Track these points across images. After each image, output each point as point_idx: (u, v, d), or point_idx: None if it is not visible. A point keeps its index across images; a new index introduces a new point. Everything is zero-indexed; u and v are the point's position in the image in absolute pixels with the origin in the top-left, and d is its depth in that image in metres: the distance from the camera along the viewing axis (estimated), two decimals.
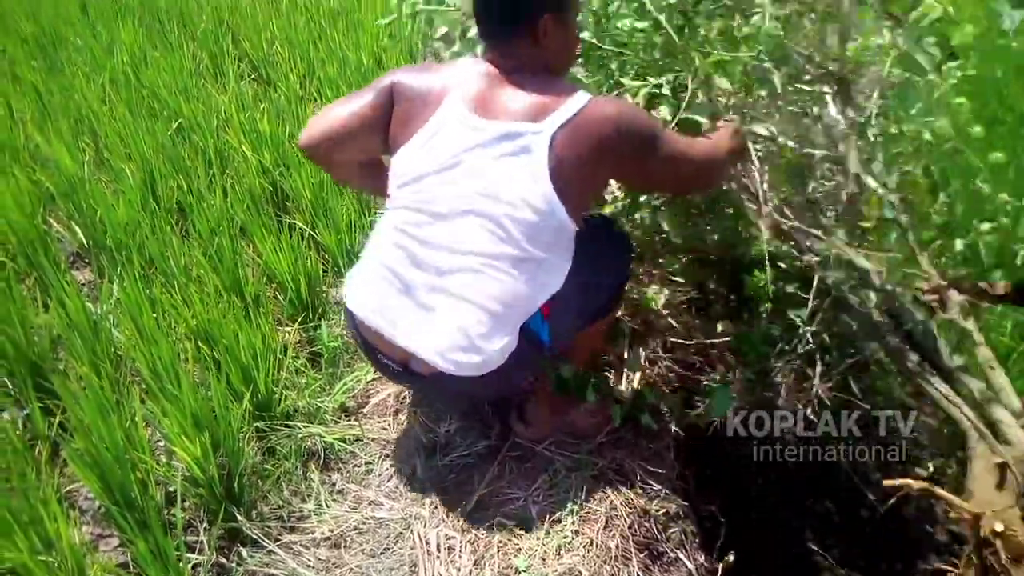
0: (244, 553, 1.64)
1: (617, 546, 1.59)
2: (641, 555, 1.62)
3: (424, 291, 1.51)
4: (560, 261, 1.52)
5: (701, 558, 1.74)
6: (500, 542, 1.59)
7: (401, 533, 1.66)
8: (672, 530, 1.72)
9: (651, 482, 1.75)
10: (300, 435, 1.87)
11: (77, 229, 2.71)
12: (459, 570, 1.55)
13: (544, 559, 1.55)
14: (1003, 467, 1.46)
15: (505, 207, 1.44)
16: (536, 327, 1.53)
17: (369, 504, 1.74)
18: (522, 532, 1.61)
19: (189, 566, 1.57)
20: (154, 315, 2.04)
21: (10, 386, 2.07)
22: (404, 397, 2.00)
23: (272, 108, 3.31)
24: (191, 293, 2.10)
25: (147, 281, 2.25)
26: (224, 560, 1.63)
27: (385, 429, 1.93)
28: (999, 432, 1.52)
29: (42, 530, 1.52)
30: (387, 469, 1.82)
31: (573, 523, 1.61)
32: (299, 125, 3.05)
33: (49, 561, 1.49)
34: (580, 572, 1.51)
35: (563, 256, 1.52)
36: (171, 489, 1.74)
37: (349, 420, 1.97)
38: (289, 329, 2.21)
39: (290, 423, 1.90)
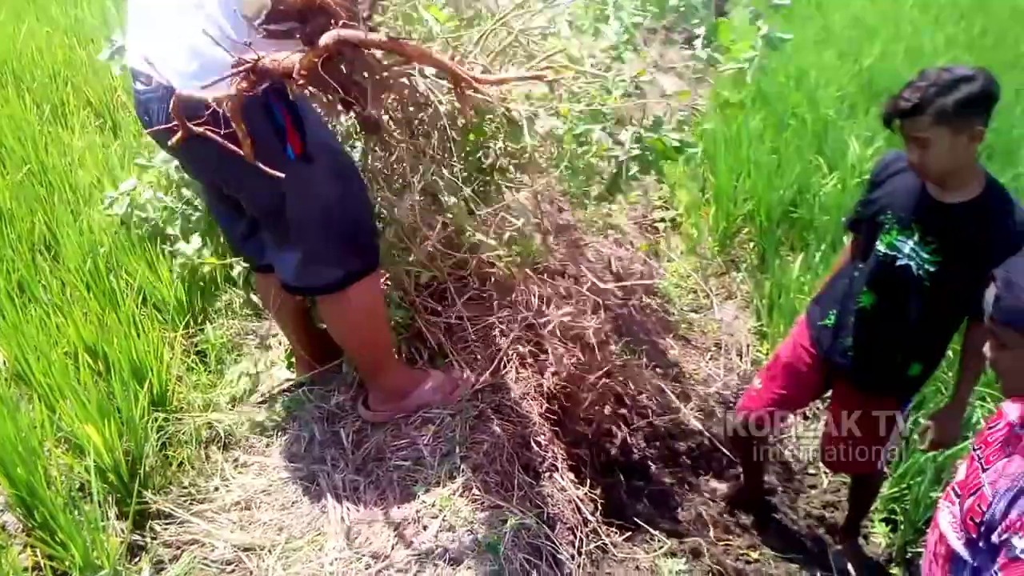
0: (157, 527, 1.74)
1: (501, 467, 1.84)
2: (522, 473, 1.87)
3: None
4: None
5: (572, 476, 2.02)
6: (399, 478, 1.80)
7: (308, 486, 1.82)
8: (547, 453, 1.99)
9: (527, 416, 2.02)
10: (197, 424, 1.99)
11: None
12: (365, 504, 1.74)
13: (440, 483, 1.77)
14: None
15: None
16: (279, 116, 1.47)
17: (273, 469, 1.89)
18: (419, 468, 1.83)
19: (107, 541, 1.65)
20: (35, 335, 2.09)
21: None
22: (296, 381, 2.16)
23: (123, 145, 3.41)
24: (72, 312, 2.17)
25: (23, 307, 2.28)
26: (139, 536, 1.72)
27: (279, 409, 2.08)
28: None
29: None
30: (286, 439, 1.98)
31: (460, 452, 1.84)
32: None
33: None
34: (472, 487, 1.75)
35: None
36: (76, 478, 1.81)
37: (243, 406, 2.10)
38: (174, 334, 2.31)
39: (186, 415, 2.02)
